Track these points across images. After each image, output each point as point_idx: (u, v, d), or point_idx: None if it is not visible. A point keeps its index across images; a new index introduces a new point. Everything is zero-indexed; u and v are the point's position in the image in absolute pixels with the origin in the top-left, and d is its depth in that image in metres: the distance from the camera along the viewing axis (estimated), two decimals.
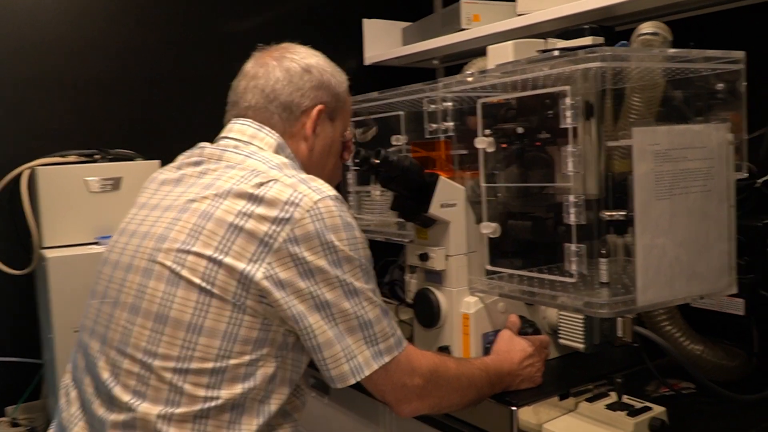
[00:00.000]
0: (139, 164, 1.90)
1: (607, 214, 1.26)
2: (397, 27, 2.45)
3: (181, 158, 1.28)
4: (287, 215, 1.06)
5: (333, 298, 1.07)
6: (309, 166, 1.26)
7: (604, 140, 1.28)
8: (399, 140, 1.64)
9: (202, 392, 1.05)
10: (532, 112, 1.53)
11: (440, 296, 1.45)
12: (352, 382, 1.08)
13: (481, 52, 2.19)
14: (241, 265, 1.05)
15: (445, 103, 1.46)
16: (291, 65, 1.26)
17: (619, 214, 1.28)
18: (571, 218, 1.20)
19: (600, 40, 1.56)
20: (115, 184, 1.85)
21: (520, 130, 1.52)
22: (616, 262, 1.31)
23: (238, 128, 1.25)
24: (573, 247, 1.21)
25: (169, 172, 1.27)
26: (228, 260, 1.05)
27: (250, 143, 1.22)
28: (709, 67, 1.31)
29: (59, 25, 2.05)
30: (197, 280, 1.06)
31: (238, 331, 1.06)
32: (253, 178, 1.11)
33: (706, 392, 1.46)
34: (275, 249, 1.05)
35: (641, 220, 1.18)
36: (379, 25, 2.44)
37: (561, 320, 1.46)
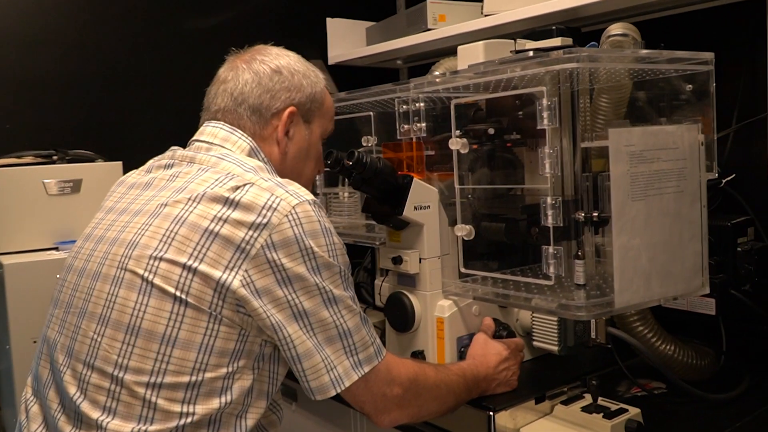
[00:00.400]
0: (101, 166, 1.82)
1: (581, 215, 1.26)
2: (361, 27, 2.42)
3: (152, 162, 1.23)
4: (264, 220, 1.02)
5: (311, 307, 1.04)
6: (283, 170, 1.22)
7: (579, 142, 1.27)
8: (369, 141, 1.61)
9: (177, 408, 1.00)
10: (504, 113, 1.52)
11: (414, 300, 1.42)
12: (333, 393, 1.05)
13: (447, 53, 2.19)
14: (216, 273, 1.00)
15: (417, 104, 1.43)
16: (260, 67, 1.22)
17: (590, 215, 1.28)
18: (549, 220, 1.19)
19: (569, 41, 1.56)
20: (75, 186, 1.77)
21: (491, 131, 1.51)
22: (589, 263, 1.31)
23: (209, 131, 1.21)
24: (551, 249, 1.20)
25: (138, 175, 1.22)
26: (203, 267, 1.01)
27: (222, 146, 1.18)
28: (680, 68, 1.31)
29: (7, 19, 1.96)
30: (171, 289, 1.01)
31: (214, 343, 1.01)
32: (228, 181, 1.07)
33: (677, 392, 1.47)
34: (252, 255, 1.01)
35: (618, 221, 1.17)
36: (342, 25, 2.41)
37: (535, 323, 1.45)
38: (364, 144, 1.62)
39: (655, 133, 1.23)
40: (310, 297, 1.03)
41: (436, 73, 1.84)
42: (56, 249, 1.74)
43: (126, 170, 1.83)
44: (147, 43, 2.15)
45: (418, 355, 1.42)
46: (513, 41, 1.58)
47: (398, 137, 1.49)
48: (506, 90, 1.43)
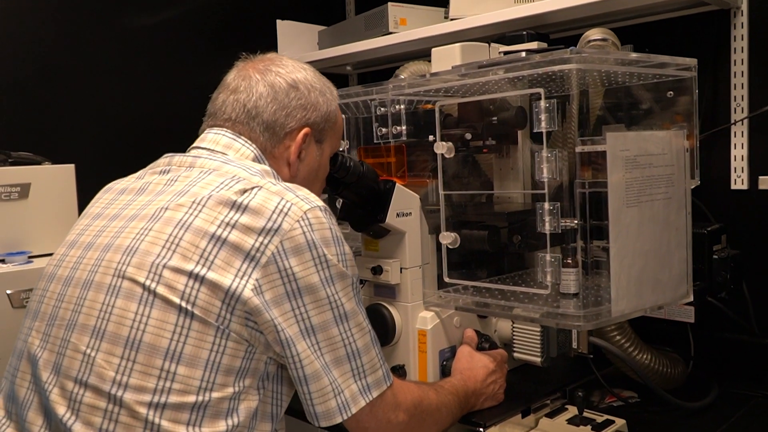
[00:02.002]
0: (50, 169, 1.64)
1: (573, 221, 1.22)
2: (312, 30, 2.35)
3: (144, 170, 1.12)
4: (275, 225, 0.93)
5: (321, 323, 0.95)
6: None
7: (573, 146, 1.24)
8: (342, 145, 1.53)
9: (182, 430, 0.90)
10: (476, 118, 1.48)
11: (394, 312, 1.35)
12: (338, 420, 0.97)
13: (404, 58, 2.15)
14: (225, 282, 0.91)
15: (397, 106, 1.37)
16: (276, 80, 1.12)
17: (573, 222, 1.25)
18: (546, 227, 1.15)
19: (544, 45, 1.54)
20: (23, 191, 1.58)
21: (468, 136, 1.46)
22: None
23: (211, 138, 1.11)
24: (548, 257, 1.16)
25: (128, 181, 1.11)
26: (211, 275, 0.91)
27: (225, 153, 1.08)
28: (666, 73, 1.30)
29: None
30: (176, 299, 0.91)
31: (221, 360, 0.92)
32: (235, 184, 0.97)
33: (651, 400, 1.46)
34: (263, 264, 0.92)
35: (614, 227, 1.14)
36: (293, 28, 2.32)
37: (516, 333, 1.40)
38: None
39: (647, 138, 1.21)
40: (321, 311, 0.95)
41: (402, 76, 1.78)
42: (2, 261, 1.55)
43: (80, 174, 1.70)
44: (89, 40, 1.99)
45: (399, 370, 1.34)
46: (487, 45, 1.54)
47: (375, 141, 1.42)
48: (487, 93, 1.40)
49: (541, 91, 1.13)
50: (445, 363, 1.35)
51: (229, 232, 0.93)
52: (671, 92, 1.36)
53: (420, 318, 1.35)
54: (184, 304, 0.91)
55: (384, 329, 1.34)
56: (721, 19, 1.64)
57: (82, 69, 1.98)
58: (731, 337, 1.61)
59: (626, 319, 1.20)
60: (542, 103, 1.13)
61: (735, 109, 1.64)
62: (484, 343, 1.37)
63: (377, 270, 1.34)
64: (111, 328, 0.92)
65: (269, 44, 2.30)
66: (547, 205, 1.15)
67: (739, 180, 1.65)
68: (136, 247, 0.95)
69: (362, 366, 0.98)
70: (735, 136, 1.65)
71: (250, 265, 0.92)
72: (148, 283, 0.92)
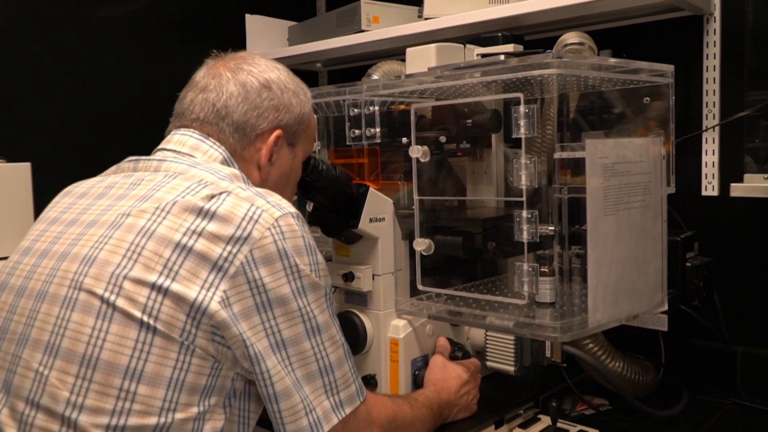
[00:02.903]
0: (3, 167, 1.54)
1: (549, 228, 1.20)
2: (282, 25, 2.29)
3: (107, 171, 1.07)
4: (245, 233, 0.88)
5: (292, 336, 0.91)
6: None
7: (550, 151, 1.22)
8: (313, 146, 1.48)
9: None
10: (450, 121, 1.45)
11: (365, 320, 1.31)
12: None
13: (376, 56, 2.11)
14: (191, 294, 0.86)
15: (371, 107, 1.33)
16: (248, 79, 1.07)
17: (549, 228, 1.22)
18: (524, 235, 1.12)
19: (520, 47, 1.52)
20: None
21: (442, 139, 1.43)
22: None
23: (177, 139, 1.05)
24: (525, 266, 1.13)
25: (89, 184, 1.05)
26: (175, 287, 0.86)
27: (191, 155, 1.03)
28: (642, 79, 1.28)
29: None
30: (137, 313, 0.85)
31: (185, 378, 0.86)
32: (202, 189, 0.92)
33: (622, 408, 1.45)
34: (231, 274, 0.87)
35: (592, 235, 1.12)
36: (263, 23, 2.26)
37: (489, 341, 1.37)
38: None
39: (625, 145, 1.20)
40: (292, 325, 0.91)
41: (375, 77, 1.74)
42: None
43: (37, 173, 1.62)
44: (48, 31, 1.90)
45: (370, 380, 1.31)
46: (462, 46, 1.51)
47: (347, 143, 1.37)
48: (461, 97, 1.37)
49: (520, 95, 1.10)
50: (417, 373, 1.31)
51: (195, 241, 0.88)
52: (647, 98, 1.35)
53: (392, 326, 1.31)
54: (145, 318, 0.85)
55: (355, 337, 1.30)
56: (694, 25, 1.64)
57: (41, 62, 1.89)
58: (702, 344, 1.61)
59: (602, 329, 1.18)
60: (521, 108, 1.10)
61: (707, 115, 1.64)
62: (457, 352, 1.34)
63: (349, 276, 1.30)
64: (66, 344, 0.86)
65: (238, 39, 2.24)
66: (525, 213, 1.12)
67: (710, 186, 1.65)
68: (94, 256, 0.89)
69: (335, 381, 0.94)
70: (706, 143, 1.64)
71: (217, 276, 0.87)
72: (106, 295, 0.86)
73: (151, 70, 2.08)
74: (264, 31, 2.25)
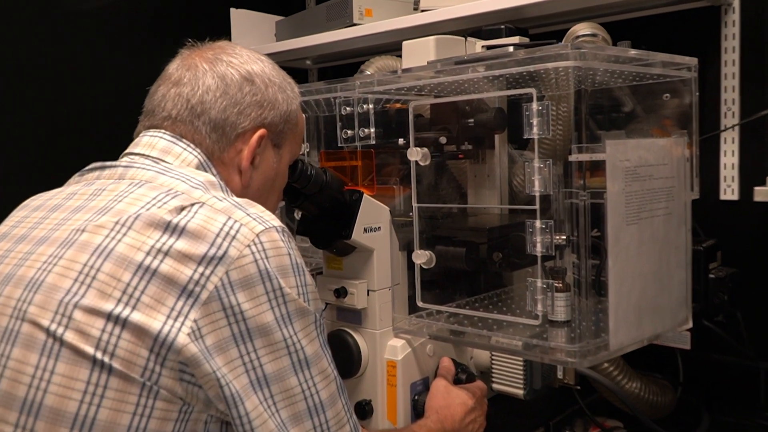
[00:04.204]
0: None
1: (561, 237, 1.08)
2: (269, 20, 2.16)
3: (70, 180, 0.94)
4: (220, 252, 0.76)
5: (276, 371, 0.78)
6: None
7: (561, 154, 1.10)
8: (302, 148, 1.36)
9: None
10: (451, 120, 1.33)
11: (360, 339, 1.19)
12: None
13: (367, 52, 1.99)
14: (155, 325, 0.73)
15: (365, 105, 1.21)
16: (228, 71, 0.94)
17: (562, 237, 1.11)
18: (537, 247, 1.00)
19: (526, 40, 1.40)
20: None
21: (443, 140, 1.31)
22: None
23: (146, 141, 0.93)
24: (539, 282, 1.01)
25: (47, 196, 0.91)
26: (136, 318, 0.73)
27: (162, 160, 0.90)
28: (666, 73, 1.17)
29: None
30: (89, 349, 0.73)
31: (147, 425, 0.73)
32: (170, 200, 0.80)
33: (636, 429, 1.34)
34: (203, 300, 0.74)
35: (614, 248, 1.00)
36: (249, 17, 2.13)
37: (495, 362, 1.26)
38: None
39: (648, 146, 1.08)
40: (276, 358, 0.78)
41: (368, 73, 1.62)
42: None
43: None
44: (7, 22, 1.76)
45: (365, 406, 1.18)
46: (464, 39, 1.39)
47: (339, 144, 1.25)
48: (462, 94, 1.25)
49: (532, 91, 0.98)
50: (417, 398, 1.19)
51: (161, 261, 0.75)
52: (668, 95, 1.23)
53: (389, 347, 1.19)
54: (99, 355, 0.73)
55: (348, 359, 1.18)
56: (712, 16, 1.52)
57: (8, 55, 1.75)
58: (722, 361, 1.49)
59: (624, 353, 1.06)
60: (534, 106, 0.98)
61: (725, 113, 1.52)
62: (461, 374, 1.22)
63: (341, 292, 1.18)
64: (4, 385, 0.73)
65: (222, 34, 2.09)
66: (538, 223, 1.00)
67: (729, 190, 1.53)
68: (41, 279, 0.76)
69: (326, 422, 0.81)
70: (725, 143, 1.53)
71: (186, 303, 0.74)
72: (53, 327, 0.73)
73: (128, 67, 1.94)
74: (250, 26, 2.13)
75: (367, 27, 1.78)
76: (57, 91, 1.82)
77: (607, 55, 1.03)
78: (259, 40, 2.16)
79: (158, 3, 2.05)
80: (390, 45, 1.86)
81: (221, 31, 2.07)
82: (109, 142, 1.12)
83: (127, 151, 0.94)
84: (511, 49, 1.04)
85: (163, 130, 0.93)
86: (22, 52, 1.77)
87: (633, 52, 1.09)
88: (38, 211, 0.87)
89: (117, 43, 1.94)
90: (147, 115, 0.96)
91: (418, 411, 1.18)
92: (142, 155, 0.91)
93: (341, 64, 2.28)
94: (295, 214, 1.22)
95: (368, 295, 1.18)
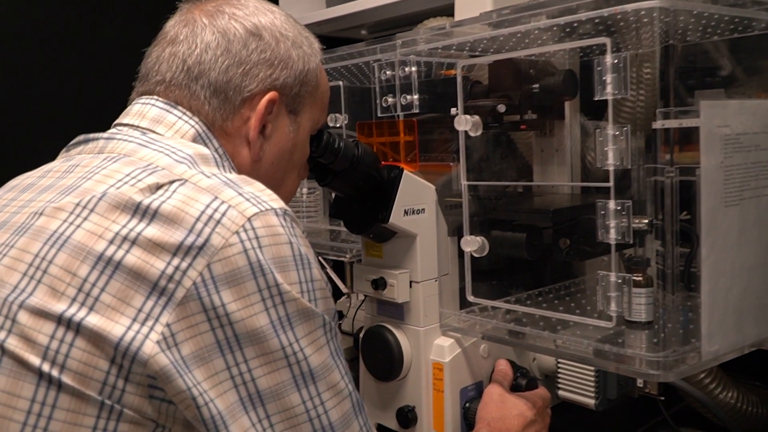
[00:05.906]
0: None
1: (643, 221, 0.89)
2: None
3: (58, 158, 0.82)
4: (200, 240, 0.62)
5: (273, 387, 0.64)
6: None
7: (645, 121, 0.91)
8: (338, 120, 1.21)
9: None
10: (512, 86, 1.15)
11: (401, 337, 1.03)
12: None
13: (430, 17, 1.80)
14: (116, 331, 0.60)
15: (407, 68, 1.04)
16: (230, 25, 0.80)
17: (644, 222, 0.92)
18: (611, 234, 0.81)
19: None
20: None
21: (501, 108, 1.13)
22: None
23: (137, 110, 0.80)
24: (612, 276, 0.82)
25: (26, 175, 0.80)
26: (92, 321, 0.60)
27: (152, 130, 0.77)
28: None
29: None
30: (34, 359, 0.60)
31: None
32: (146, 176, 0.66)
33: None
34: (179, 300, 0.61)
35: (708, 235, 0.81)
36: None
37: (562, 366, 1.08)
38: (331, 124, 1.22)
39: (754, 109, 0.87)
40: (272, 370, 0.64)
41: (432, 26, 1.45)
42: None
43: None
44: None
45: (408, 413, 1.03)
46: None
47: (378, 115, 1.09)
48: (519, 50, 1.06)
49: (606, 41, 0.79)
50: (467, 405, 1.03)
51: (126, 252, 0.61)
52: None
53: (435, 347, 1.03)
54: (46, 367, 0.60)
55: (388, 360, 1.03)
56: None
57: None
58: None
59: (720, 363, 0.87)
60: (608, 59, 0.79)
61: None
62: (521, 380, 1.05)
63: (379, 283, 1.02)
64: None
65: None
66: (612, 204, 0.81)
67: None
68: None
69: None
70: None
71: (157, 303, 0.60)
72: None
73: (125, 29, 1.77)
74: None
75: None
76: (46, 58, 1.66)
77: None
78: (309, 7, 2.01)
79: None
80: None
81: None
82: (105, 114, 0.99)
83: (116, 121, 0.81)
84: None
85: (155, 97, 0.79)
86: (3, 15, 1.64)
87: None
88: (11, 191, 0.75)
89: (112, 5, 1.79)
90: (141, 80, 0.83)
91: (469, 420, 1.02)
92: (130, 125, 0.78)
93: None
94: (331, 195, 1.08)
95: (411, 287, 1.02)
